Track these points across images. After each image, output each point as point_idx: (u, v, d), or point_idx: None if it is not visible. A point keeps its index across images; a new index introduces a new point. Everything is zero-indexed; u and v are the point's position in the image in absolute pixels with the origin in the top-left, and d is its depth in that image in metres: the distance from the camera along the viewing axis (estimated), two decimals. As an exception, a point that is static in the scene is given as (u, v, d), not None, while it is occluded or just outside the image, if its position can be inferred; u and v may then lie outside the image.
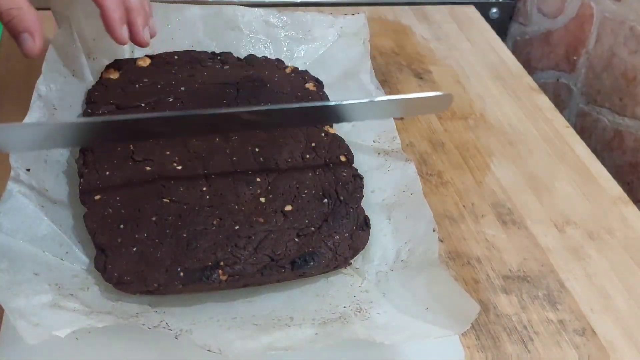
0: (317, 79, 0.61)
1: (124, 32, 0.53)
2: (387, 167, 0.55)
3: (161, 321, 0.43)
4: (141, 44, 0.55)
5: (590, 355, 0.48)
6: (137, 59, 0.60)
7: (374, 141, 0.58)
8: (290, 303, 0.46)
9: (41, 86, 0.55)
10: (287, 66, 0.63)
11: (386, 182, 0.54)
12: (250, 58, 0.64)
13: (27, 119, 0.54)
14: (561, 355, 0.48)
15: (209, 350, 0.40)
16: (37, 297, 0.42)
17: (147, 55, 0.61)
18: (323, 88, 0.61)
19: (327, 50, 0.68)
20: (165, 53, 0.62)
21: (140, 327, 0.42)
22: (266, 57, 0.64)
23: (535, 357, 0.47)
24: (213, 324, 0.44)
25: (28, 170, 0.49)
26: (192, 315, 0.44)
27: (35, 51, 0.50)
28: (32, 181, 0.49)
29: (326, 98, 0.60)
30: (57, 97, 0.56)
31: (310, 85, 0.61)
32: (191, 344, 0.41)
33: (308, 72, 0.63)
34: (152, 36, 0.57)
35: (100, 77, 0.58)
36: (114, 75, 0.58)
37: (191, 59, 0.60)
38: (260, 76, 0.60)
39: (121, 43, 0.54)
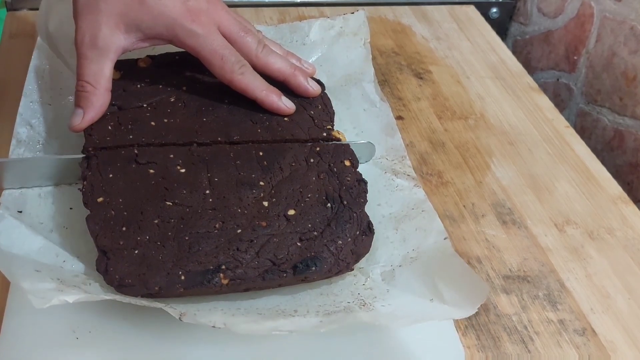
0: (319, 80, 0.61)
1: (286, 103, 0.57)
2: (394, 187, 0.55)
3: (165, 305, 0.43)
4: (315, 95, 0.59)
5: (591, 355, 0.48)
6: (138, 59, 0.60)
7: (380, 157, 0.58)
8: (294, 300, 0.47)
9: (29, 86, 0.57)
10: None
11: (394, 200, 0.54)
12: None
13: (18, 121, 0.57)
14: (561, 355, 0.48)
15: (213, 327, 0.41)
16: (41, 284, 0.42)
17: (148, 56, 0.61)
18: (324, 89, 0.61)
19: (327, 52, 0.68)
20: (166, 53, 0.62)
21: (141, 321, 0.43)
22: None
23: (535, 357, 0.48)
24: (217, 312, 0.44)
25: (20, 212, 0.50)
26: (196, 305, 0.45)
27: (77, 128, 0.53)
28: (24, 218, 0.49)
29: (328, 100, 0.60)
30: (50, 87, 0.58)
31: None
32: (195, 324, 0.41)
33: (309, 74, 0.63)
34: (312, 74, 0.61)
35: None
36: (115, 75, 0.58)
37: (192, 59, 0.60)
38: None
39: (290, 113, 0.57)
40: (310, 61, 0.67)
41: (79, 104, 0.53)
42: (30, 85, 0.61)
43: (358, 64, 0.67)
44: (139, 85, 0.58)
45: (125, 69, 0.59)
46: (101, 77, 0.53)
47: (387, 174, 0.56)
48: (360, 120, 0.62)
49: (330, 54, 0.68)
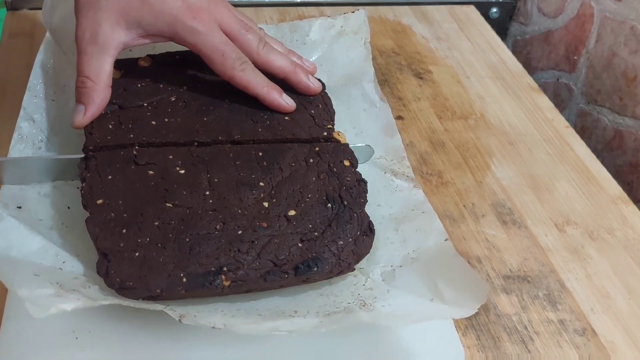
0: (319, 79, 0.61)
1: (287, 100, 0.57)
2: (393, 187, 0.55)
3: (165, 307, 0.43)
4: (316, 93, 0.59)
5: (591, 355, 0.48)
6: (138, 58, 0.60)
7: (379, 157, 0.58)
8: (295, 301, 0.47)
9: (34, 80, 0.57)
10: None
11: (394, 200, 0.54)
12: None
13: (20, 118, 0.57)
14: (561, 355, 0.48)
15: (213, 327, 0.41)
16: (39, 290, 0.42)
17: (148, 55, 0.61)
18: (325, 89, 0.61)
19: (327, 51, 0.68)
20: (167, 52, 0.62)
21: (141, 321, 0.43)
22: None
23: (535, 357, 0.48)
24: (217, 313, 0.44)
25: (19, 207, 0.50)
26: (197, 307, 0.45)
27: (79, 125, 0.54)
28: (23, 214, 0.49)
29: (328, 99, 0.60)
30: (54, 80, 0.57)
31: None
32: (195, 325, 0.41)
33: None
34: (313, 73, 0.61)
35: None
36: (116, 74, 0.58)
37: (192, 59, 0.60)
38: None
39: (290, 110, 0.57)
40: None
41: (80, 100, 0.53)
42: (35, 80, 0.60)
43: (358, 63, 0.67)
44: (139, 85, 0.58)
45: (126, 68, 0.59)
46: (101, 72, 0.54)
47: (387, 174, 0.57)
48: (360, 120, 0.62)
49: (330, 53, 0.67)
